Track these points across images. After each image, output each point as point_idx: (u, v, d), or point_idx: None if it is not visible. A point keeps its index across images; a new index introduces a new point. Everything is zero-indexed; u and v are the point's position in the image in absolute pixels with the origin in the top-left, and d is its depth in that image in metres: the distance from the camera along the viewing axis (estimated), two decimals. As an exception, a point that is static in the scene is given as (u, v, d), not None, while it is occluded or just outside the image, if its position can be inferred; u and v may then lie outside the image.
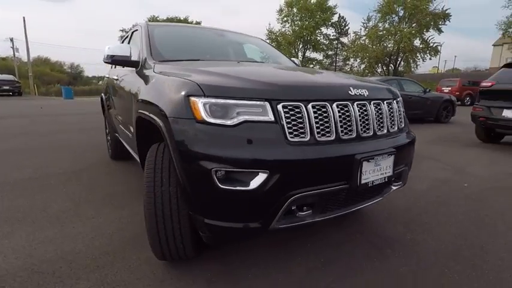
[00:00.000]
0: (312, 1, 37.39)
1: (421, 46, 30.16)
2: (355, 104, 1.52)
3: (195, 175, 1.32)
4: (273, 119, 1.32)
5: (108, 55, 2.22)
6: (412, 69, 32.46)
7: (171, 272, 1.69)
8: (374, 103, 1.62)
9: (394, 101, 1.80)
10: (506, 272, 1.73)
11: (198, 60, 2.24)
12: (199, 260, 1.78)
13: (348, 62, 39.18)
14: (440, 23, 28.72)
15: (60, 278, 1.63)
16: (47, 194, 2.84)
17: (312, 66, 38.68)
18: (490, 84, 5.05)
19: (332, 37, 40.96)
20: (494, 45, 47.75)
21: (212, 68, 1.78)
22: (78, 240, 2.01)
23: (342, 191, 1.46)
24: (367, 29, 32.31)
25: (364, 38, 32.75)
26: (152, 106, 1.62)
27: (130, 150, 2.74)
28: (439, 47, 30.10)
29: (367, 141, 1.53)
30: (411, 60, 31.26)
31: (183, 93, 1.38)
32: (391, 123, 1.72)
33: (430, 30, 29.45)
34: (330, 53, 41.78)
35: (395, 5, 29.51)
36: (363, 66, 34.03)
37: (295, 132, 1.35)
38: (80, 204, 2.60)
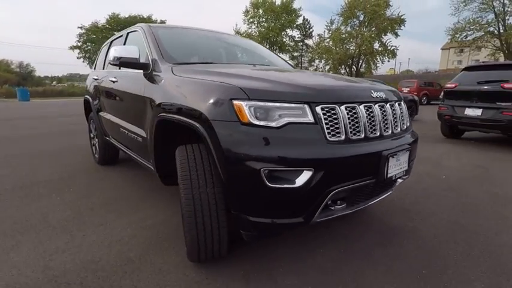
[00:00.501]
0: (277, 3, 38.22)
1: (380, 49, 32.16)
2: (376, 105, 1.67)
3: (243, 175, 1.37)
4: (312, 120, 1.42)
5: (115, 57, 2.17)
6: (372, 70, 34.50)
7: (203, 272, 1.71)
8: (390, 104, 1.78)
9: (402, 103, 1.99)
10: (498, 249, 1.99)
11: (211, 63, 2.27)
12: (227, 259, 1.82)
13: (313, 63, 40.52)
14: (396, 27, 30.85)
15: (90, 287, 1.58)
16: (40, 203, 2.67)
17: (279, 67, 39.29)
18: (453, 85, 5.61)
19: (297, 39, 42.14)
20: (442, 49, 52.26)
21: (243, 72, 1.82)
22: (94, 249, 1.95)
23: (370, 185, 1.60)
24: (330, 32, 33.76)
25: (328, 40, 34.18)
26: (183, 109, 1.63)
27: (134, 154, 2.68)
28: (396, 50, 32.30)
29: (388, 139, 1.68)
30: (371, 62, 33.21)
31: (226, 96, 1.42)
32: (401, 122, 1.90)
33: (388, 34, 31.54)
34: (295, 54, 42.94)
35: (356, 10, 31.14)
36: (327, 67, 35.47)
37: (332, 132, 1.45)
38: (82, 212, 2.49)
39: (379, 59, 32.95)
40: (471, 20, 24.65)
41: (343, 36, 32.78)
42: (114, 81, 2.81)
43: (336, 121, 1.47)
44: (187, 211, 1.51)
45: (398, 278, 1.68)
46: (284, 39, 40.44)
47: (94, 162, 4.05)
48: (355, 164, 1.48)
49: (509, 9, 23.24)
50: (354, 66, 34.14)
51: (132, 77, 2.44)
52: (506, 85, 4.76)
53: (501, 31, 24.04)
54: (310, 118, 1.42)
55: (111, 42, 3.55)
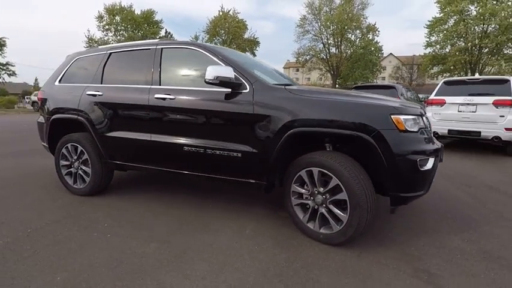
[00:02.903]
0: (136, 13, 36.41)
1: (242, 66, 36.10)
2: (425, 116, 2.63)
3: (406, 165, 2.01)
4: (424, 125, 2.22)
5: (215, 76, 2.27)
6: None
7: (353, 251, 2.14)
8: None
9: None
10: (489, 203, 3.34)
11: (290, 84, 2.69)
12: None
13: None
14: (254, 48, 35.55)
15: None
16: (96, 246, 2.20)
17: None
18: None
19: (161, 51, 41.24)
20: (284, 67, 63.52)
21: (370, 95, 2.42)
22: (248, 264, 2.00)
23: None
24: (196, 47, 35.10)
25: (194, 54, 35.35)
26: (338, 123, 2.09)
27: (208, 172, 2.65)
28: (255, 68, 37.10)
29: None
30: (237, 77, 36.74)
31: (387, 113, 2.03)
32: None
33: (247, 53, 35.88)
34: (160, 66, 41.85)
35: (219, 29, 33.86)
36: (196, 80, 36.57)
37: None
38: (169, 241, 2.28)
39: (242, 74, 36.85)
40: (309, 47, 31.74)
41: (209, 52, 34.82)
42: (165, 99, 2.65)
43: (429, 125, 2.33)
44: (362, 199, 1.99)
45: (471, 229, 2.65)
46: (147, 50, 38.75)
47: (68, 194, 3.29)
48: (442, 151, 2.38)
49: (331, 42, 31.53)
50: (221, 80, 36.72)
51: (212, 96, 2.49)
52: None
53: (328, 57, 32.20)
54: (422, 124, 2.22)
55: (110, 54, 3.15)
